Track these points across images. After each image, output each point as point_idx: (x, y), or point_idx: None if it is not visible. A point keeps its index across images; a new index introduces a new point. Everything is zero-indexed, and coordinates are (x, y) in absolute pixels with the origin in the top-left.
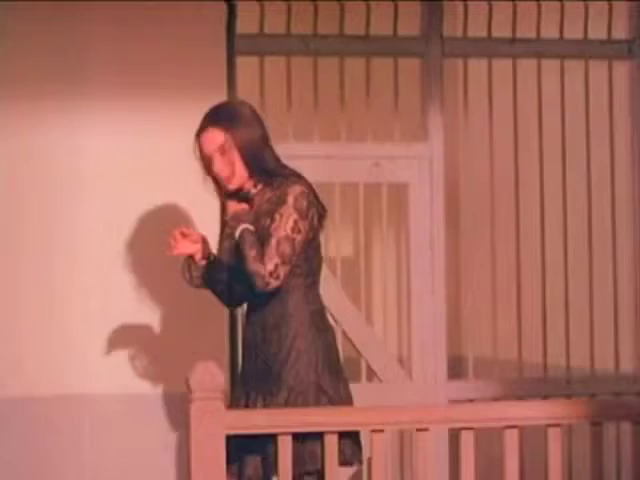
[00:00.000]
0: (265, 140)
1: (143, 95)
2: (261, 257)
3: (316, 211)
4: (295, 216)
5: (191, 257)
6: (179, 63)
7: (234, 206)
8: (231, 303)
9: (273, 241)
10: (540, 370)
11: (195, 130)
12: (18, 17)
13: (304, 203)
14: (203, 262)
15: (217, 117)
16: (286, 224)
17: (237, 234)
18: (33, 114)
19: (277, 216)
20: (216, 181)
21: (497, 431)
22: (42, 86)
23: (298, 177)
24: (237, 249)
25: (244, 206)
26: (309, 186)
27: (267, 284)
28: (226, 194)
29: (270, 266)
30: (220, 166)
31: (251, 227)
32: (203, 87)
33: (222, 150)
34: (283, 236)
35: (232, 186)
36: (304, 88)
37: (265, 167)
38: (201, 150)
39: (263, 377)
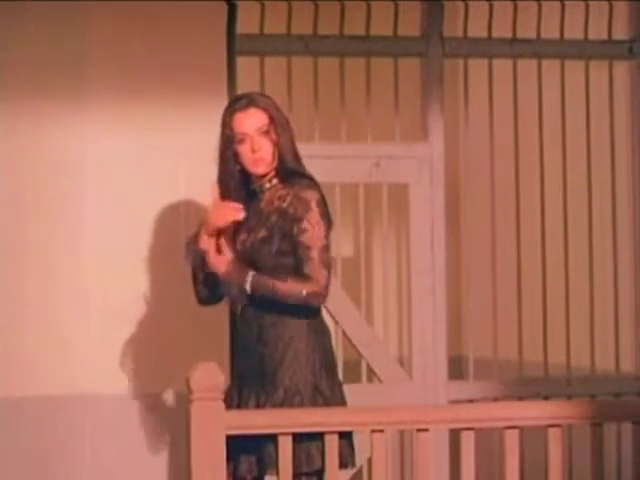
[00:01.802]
0: (294, 138)
1: (143, 96)
2: (306, 277)
3: (327, 219)
4: (323, 223)
5: (204, 251)
6: (179, 63)
7: (225, 207)
8: (207, 298)
9: (315, 254)
10: (540, 370)
11: (222, 110)
12: (20, 19)
13: (325, 209)
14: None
15: (260, 101)
16: (319, 233)
17: (249, 287)
18: (35, 116)
19: (307, 225)
20: (232, 162)
21: (497, 431)
22: (44, 87)
23: (314, 182)
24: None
25: (233, 209)
26: (322, 192)
27: (324, 298)
28: (225, 191)
29: (323, 280)
30: (263, 146)
31: (249, 276)
32: (203, 87)
33: (264, 132)
34: (321, 247)
35: (262, 170)
36: (304, 88)
37: (291, 163)
38: (233, 127)
39: (258, 375)
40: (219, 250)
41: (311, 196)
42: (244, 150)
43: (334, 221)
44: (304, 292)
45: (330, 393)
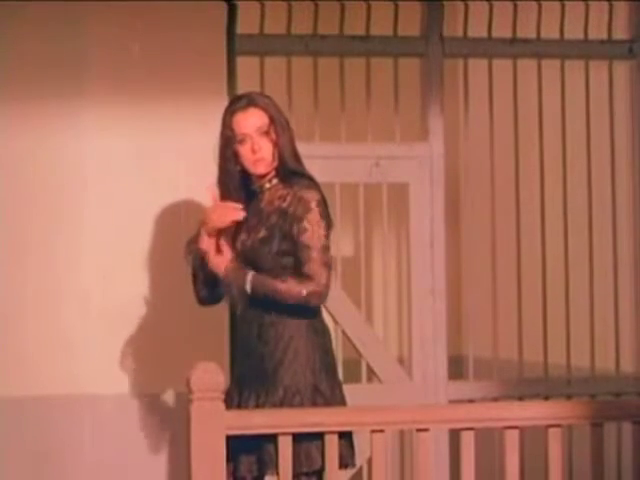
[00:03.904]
0: (294, 137)
1: (144, 95)
2: (306, 277)
3: (327, 219)
4: (323, 223)
5: (204, 251)
6: (179, 63)
7: (225, 207)
8: (207, 298)
9: (315, 254)
10: (540, 370)
11: (223, 111)
12: (19, 19)
13: (325, 210)
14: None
15: (260, 101)
16: (319, 233)
17: (249, 287)
18: (35, 116)
19: (307, 225)
20: (232, 162)
21: (497, 431)
22: (44, 87)
23: (314, 182)
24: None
25: (234, 209)
26: (322, 193)
27: (324, 298)
28: (225, 192)
29: (323, 279)
30: (263, 146)
31: (249, 275)
32: (203, 87)
33: (264, 132)
34: (320, 247)
35: (262, 170)
36: (304, 88)
37: (291, 163)
38: (236, 128)
39: (258, 375)
40: (219, 250)
41: (311, 196)
42: (244, 150)
43: (334, 221)
44: (304, 292)
45: (330, 393)
